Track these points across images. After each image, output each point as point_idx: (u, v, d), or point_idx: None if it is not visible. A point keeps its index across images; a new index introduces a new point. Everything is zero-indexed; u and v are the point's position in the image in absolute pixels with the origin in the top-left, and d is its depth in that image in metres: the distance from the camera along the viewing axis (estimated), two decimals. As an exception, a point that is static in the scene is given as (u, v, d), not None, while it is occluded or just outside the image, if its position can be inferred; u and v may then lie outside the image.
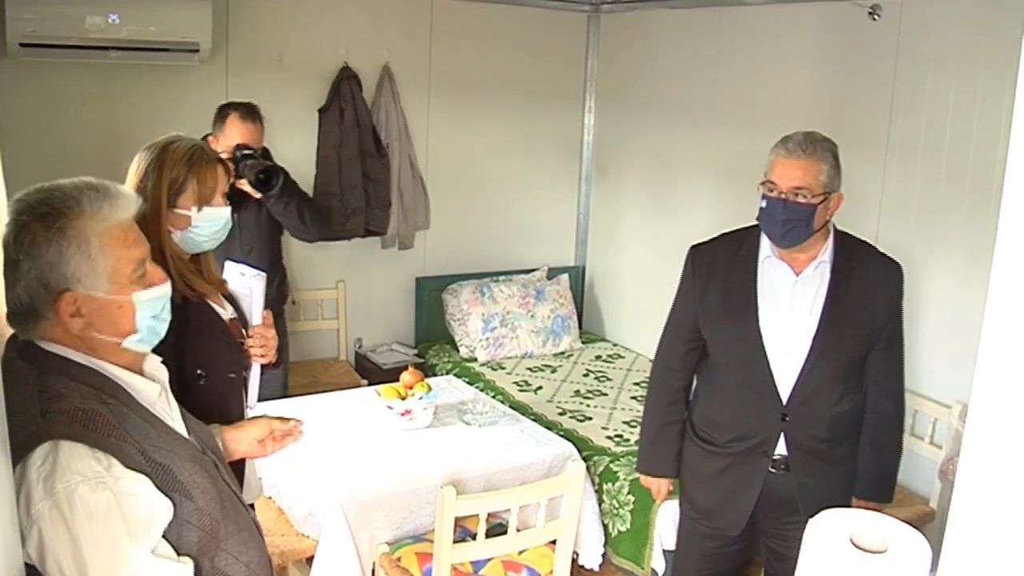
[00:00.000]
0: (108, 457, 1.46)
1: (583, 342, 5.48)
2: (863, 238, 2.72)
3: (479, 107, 5.39)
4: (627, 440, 4.05)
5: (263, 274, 2.50)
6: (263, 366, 2.47)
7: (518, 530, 2.99)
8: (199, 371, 2.22)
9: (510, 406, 4.16)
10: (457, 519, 2.89)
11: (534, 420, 3.95)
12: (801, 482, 2.68)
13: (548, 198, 5.78)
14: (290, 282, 4.50)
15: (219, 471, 1.74)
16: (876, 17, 3.78)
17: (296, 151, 4.87)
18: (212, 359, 2.27)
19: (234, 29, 4.63)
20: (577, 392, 4.72)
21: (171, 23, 4.25)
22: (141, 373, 1.66)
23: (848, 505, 2.70)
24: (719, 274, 2.71)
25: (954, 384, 3.62)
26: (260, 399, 2.56)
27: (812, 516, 2.55)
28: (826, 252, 2.61)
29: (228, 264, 2.50)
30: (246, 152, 3.71)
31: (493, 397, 4.30)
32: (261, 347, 2.42)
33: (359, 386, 4.56)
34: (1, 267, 1.56)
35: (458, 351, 5.22)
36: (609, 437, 4.10)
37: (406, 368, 3.80)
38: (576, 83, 5.70)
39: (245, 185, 3.70)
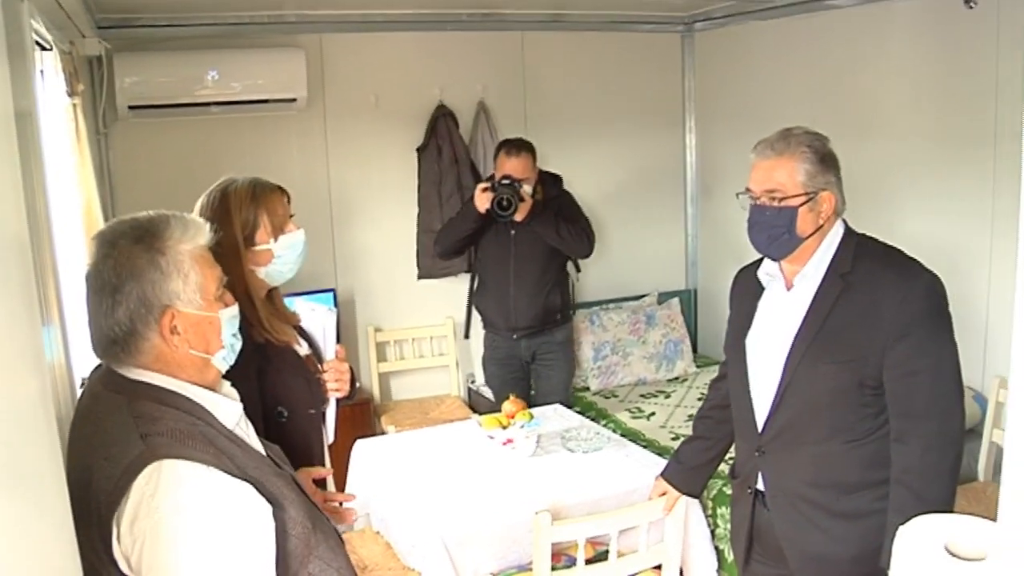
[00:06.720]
0: (210, 470, 1.50)
1: (698, 366, 5.38)
2: (891, 243, 2.30)
3: (577, 135, 5.38)
4: (741, 462, 3.91)
5: (334, 310, 2.57)
6: (338, 399, 2.51)
7: (622, 554, 2.92)
8: (280, 409, 2.26)
9: (621, 434, 4.09)
10: (563, 547, 2.84)
11: (645, 447, 3.87)
12: (785, 529, 2.38)
13: (654, 222, 5.72)
14: (569, 298, 4.59)
15: (298, 485, 1.78)
16: (973, 5, 3.60)
17: (396, 191, 4.98)
18: (293, 396, 2.30)
19: (330, 76, 4.78)
20: (691, 416, 4.59)
21: (268, 77, 4.45)
22: None
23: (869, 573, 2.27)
24: (740, 294, 2.55)
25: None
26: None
27: (802, 572, 2.38)
28: (820, 261, 2.29)
29: (297, 301, 2.57)
30: (504, 182, 4.10)
31: (604, 425, 4.24)
32: (336, 381, 2.46)
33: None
34: (84, 302, 1.62)
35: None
36: (724, 460, 3.96)
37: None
38: (675, 104, 5.64)
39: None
